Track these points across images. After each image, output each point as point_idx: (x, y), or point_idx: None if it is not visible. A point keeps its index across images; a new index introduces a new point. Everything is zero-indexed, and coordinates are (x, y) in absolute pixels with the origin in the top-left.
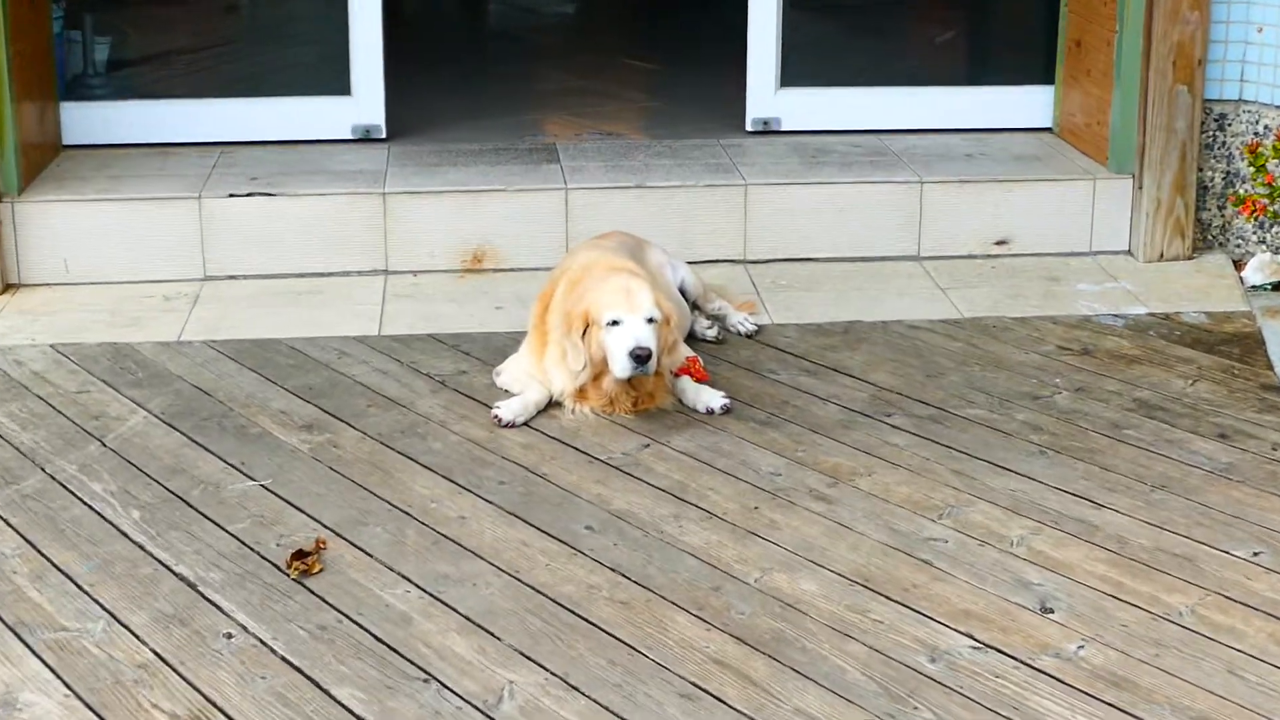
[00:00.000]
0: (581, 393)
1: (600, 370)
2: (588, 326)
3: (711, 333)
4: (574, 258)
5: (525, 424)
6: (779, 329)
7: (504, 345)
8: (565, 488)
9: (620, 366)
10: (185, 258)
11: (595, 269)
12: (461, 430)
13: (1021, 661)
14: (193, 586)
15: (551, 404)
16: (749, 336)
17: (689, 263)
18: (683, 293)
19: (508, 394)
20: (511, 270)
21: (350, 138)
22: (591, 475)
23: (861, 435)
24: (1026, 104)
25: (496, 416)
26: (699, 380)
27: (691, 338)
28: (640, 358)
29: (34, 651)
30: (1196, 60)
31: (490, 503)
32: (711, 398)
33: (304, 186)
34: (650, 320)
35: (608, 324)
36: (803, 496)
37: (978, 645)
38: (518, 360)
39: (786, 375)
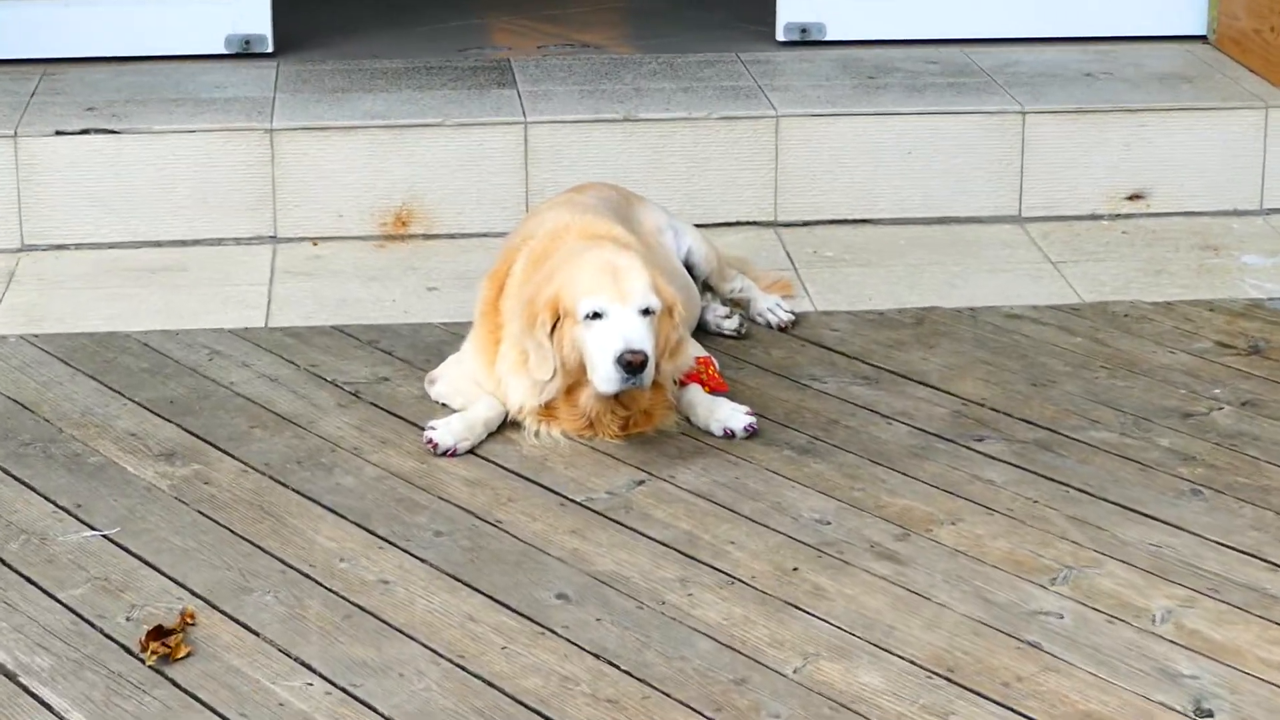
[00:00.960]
0: (549, 410)
1: (576, 380)
2: (558, 320)
3: (730, 324)
4: (538, 221)
5: (471, 451)
6: (824, 319)
7: (440, 342)
8: (528, 541)
9: (604, 377)
10: None
11: (567, 238)
12: (382, 460)
13: None
14: (10, 677)
15: (507, 424)
16: (783, 329)
17: (698, 226)
18: (689, 269)
19: (446, 410)
20: (449, 237)
21: (224, 52)
22: (564, 523)
23: (941, 468)
24: (1170, 2)
25: (431, 441)
26: (713, 391)
27: (702, 331)
28: (632, 365)
29: None
30: None
31: (423, 561)
32: (731, 415)
33: (160, 120)
34: (645, 312)
35: (586, 317)
36: (860, 554)
37: None
38: (460, 363)
39: (836, 384)
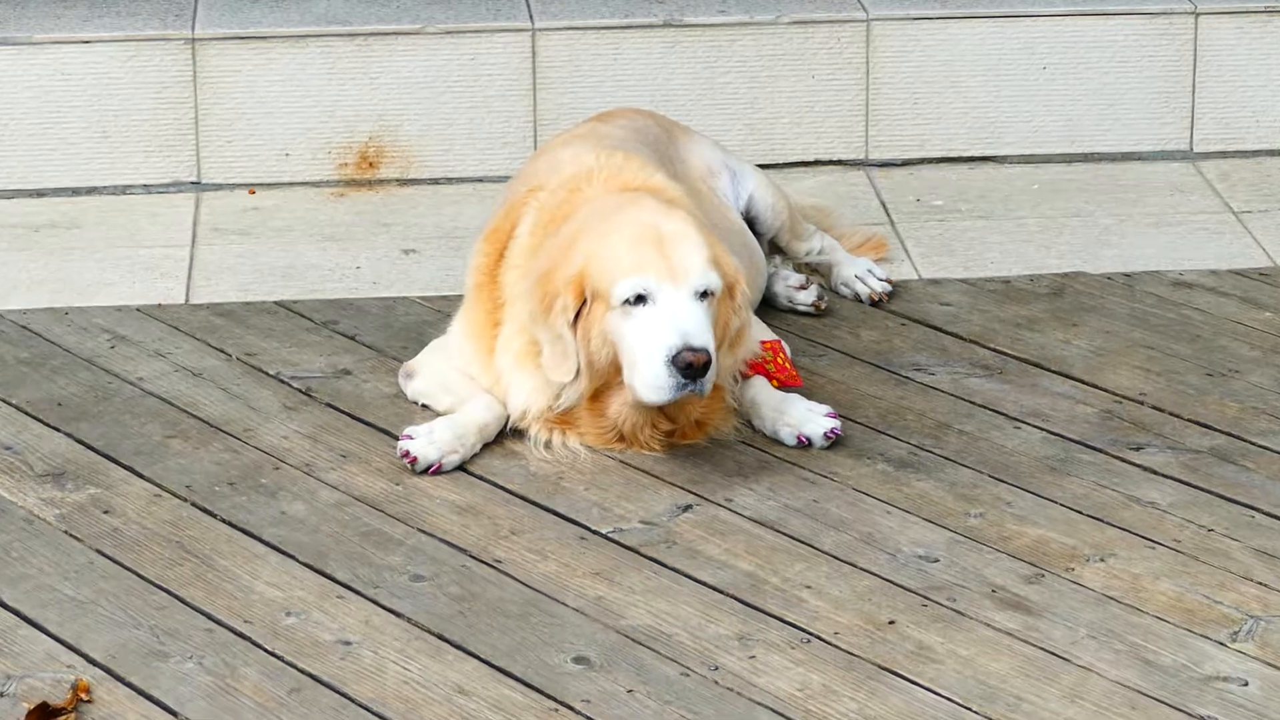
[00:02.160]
0: (565, 417)
1: (607, 381)
2: (584, 304)
3: (806, 296)
4: (550, 162)
5: (460, 467)
6: (931, 289)
7: (420, 324)
8: (537, 586)
9: (652, 382)
10: None
11: (591, 189)
12: (343, 481)
13: None
14: None
15: (507, 431)
16: (876, 303)
17: (762, 167)
18: (751, 224)
19: (428, 413)
20: (432, 183)
21: None
22: (585, 563)
23: (1086, 486)
24: None
25: (408, 454)
26: (784, 386)
27: (769, 306)
28: (692, 368)
29: None
30: None
31: (398, 615)
32: (807, 418)
33: (40, 25)
34: (703, 295)
35: (625, 302)
36: (978, 601)
37: None
38: (446, 351)
39: (946, 375)
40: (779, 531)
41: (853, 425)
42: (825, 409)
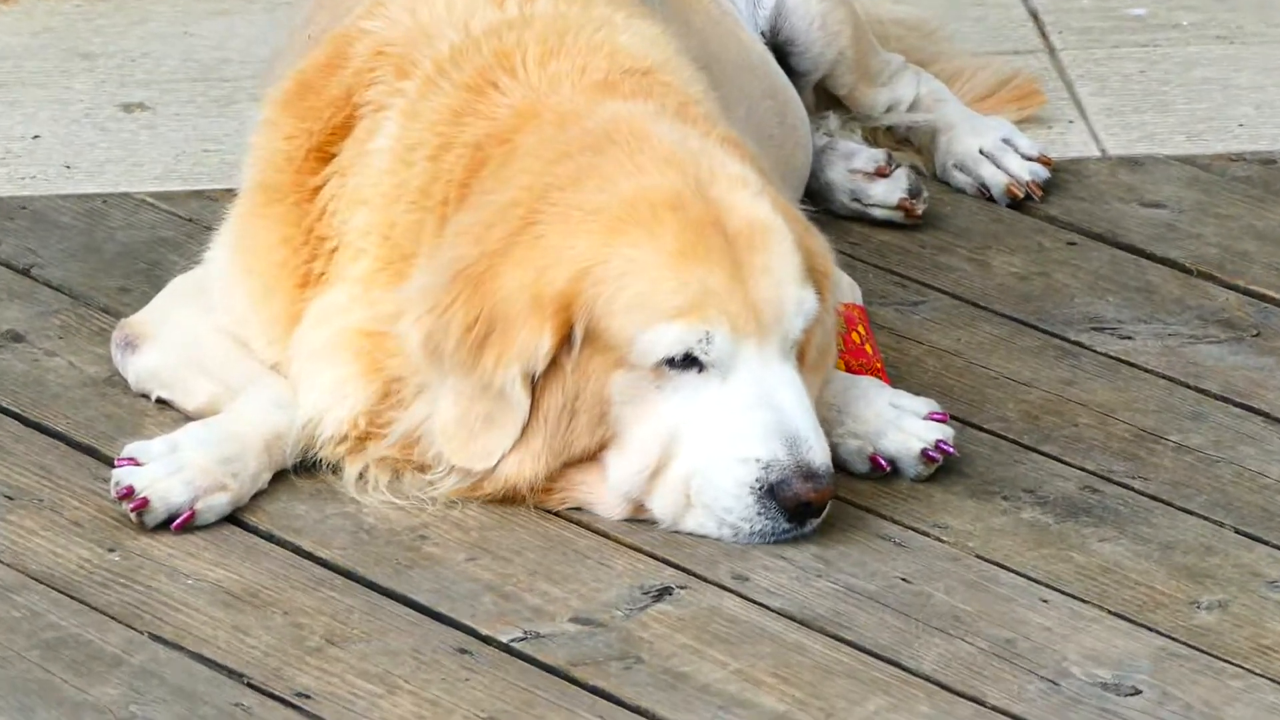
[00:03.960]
0: (408, 449)
1: (572, 462)
2: (564, 341)
3: (888, 190)
4: None
5: (232, 517)
6: (1125, 175)
7: (150, 243)
8: None
9: (723, 517)
10: None
11: (535, 92)
12: (9, 546)
13: None
14: None
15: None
16: (1021, 201)
17: None
18: (783, 51)
19: (165, 413)
20: None
21: None
22: (465, 702)
23: None
24: None
25: (132, 492)
26: (859, 370)
27: (815, 206)
28: (809, 509)
29: None
30: None
31: None
32: (891, 425)
33: None
34: (796, 338)
35: (665, 363)
36: None
37: None
38: (201, 298)
39: (1155, 339)
40: (834, 637)
41: (975, 437)
42: (925, 406)
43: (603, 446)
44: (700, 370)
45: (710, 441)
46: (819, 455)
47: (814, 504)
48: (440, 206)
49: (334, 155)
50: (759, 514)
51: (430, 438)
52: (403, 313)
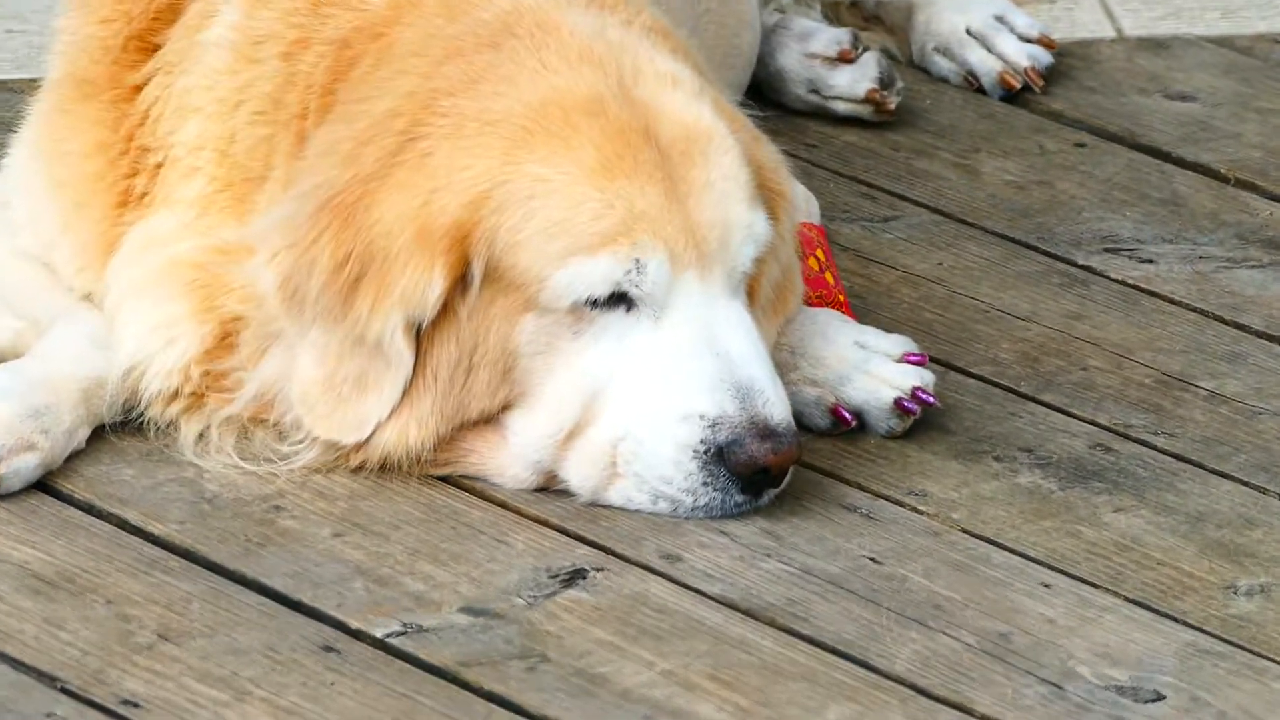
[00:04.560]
0: (263, 408)
1: (467, 425)
2: (461, 280)
3: (853, 79)
4: None
5: (42, 483)
6: (1145, 59)
7: None
8: None
9: (661, 488)
10: None
11: None
12: None
13: None
14: None
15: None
16: (1016, 93)
17: None
18: None
19: None
20: None
21: None
22: (331, 711)
23: None
24: None
25: None
26: (820, 304)
27: (764, 98)
28: (766, 475)
29: None
30: None
31: None
32: (859, 369)
33: None
34: (745, 270)
35: (585, 303)
36: None
37: None
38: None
39: (1182, 263)
40: (786, 630)
41: (961, 383)
42: (898, 346)
43: (506, 407)
44: (629, 309)
45: (642, 396)
46: (778, 409)
47: (772, 469)
48: (297, 120)
49: (158, 46)
50: (704, 484)
51: (287, 401)
52: (251, 249)
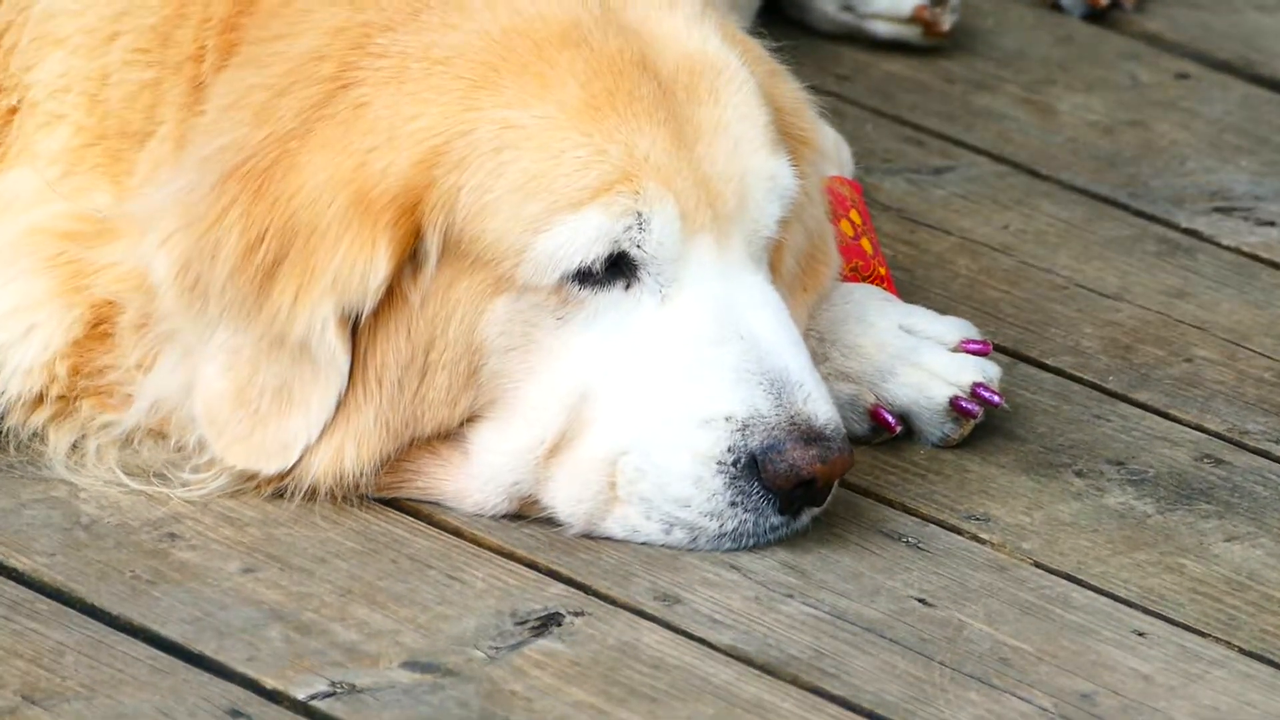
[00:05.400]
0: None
1: (420, 441)
2: (405, 256)
3: (888, 27)
4: None
5: None
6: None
7: None
8: None
9: (672, 511)
10: None
11: None
12: None
13: None
14: None
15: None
16: (1097, 13)
17: None
18: None
19: None
20: None
21: None
22: None
23: None
24: None
25: None
26: (856, 279)
27: (794, 25)
28: (809, 488)
29: None
30: None
31: None
32: (906, 360)
33: None
34: (769, 234)
35: (573, 278)
36: None
37: None
38: None
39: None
40: (813, 690)
41: (1033, 378)
42: (955, 331)
43: (470, 419)
44: (629, 286)
45: (648, 396)
46: (822, 406)
47: (818, 482)
48: (191, 62)
49: None
50: (733, 504)
51: (188, 418)
52: (132, 224)
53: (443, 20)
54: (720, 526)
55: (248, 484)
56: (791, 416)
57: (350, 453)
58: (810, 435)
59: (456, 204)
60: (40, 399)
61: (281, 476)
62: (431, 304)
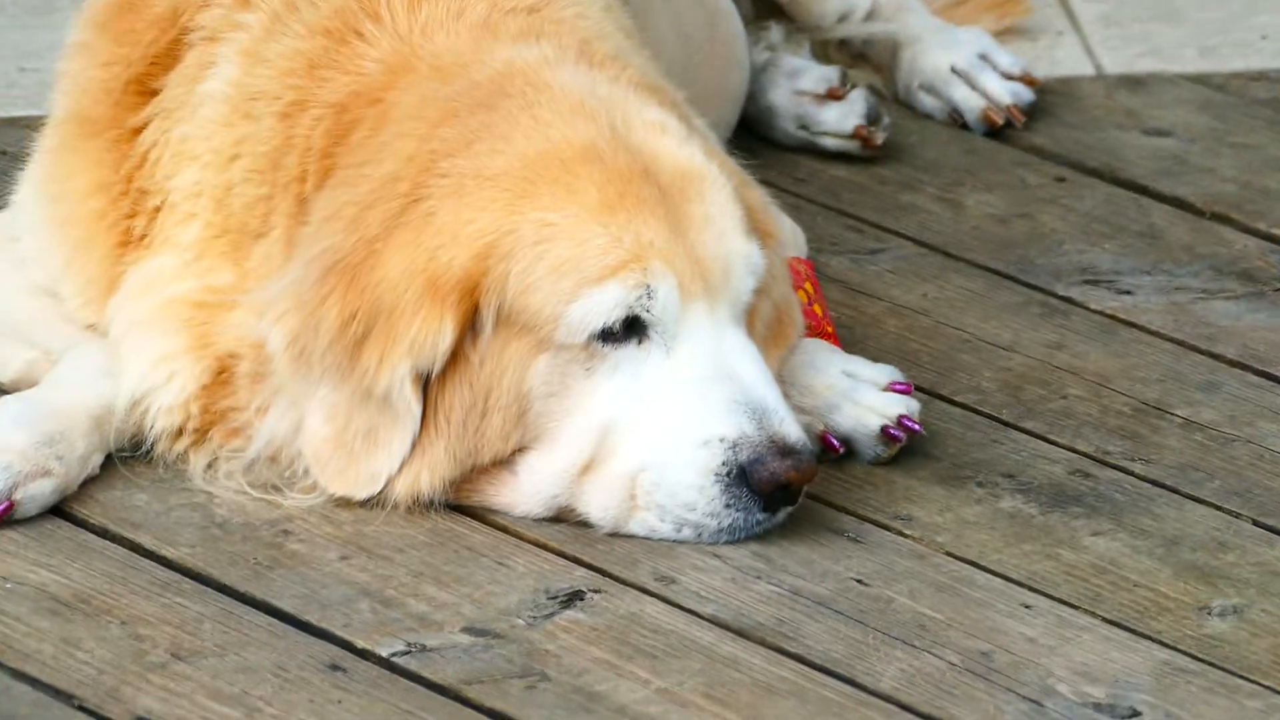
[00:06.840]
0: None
1: (475, 469)
2: (470, 322)
3: (842, 115)
4: None
5: (58, 508)
6: (1126, 96)
7: None
8: None
9: (683, 514)
10: None
11: (393, 41)
12: None
13: None
14: None
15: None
16: (999, 128)
17: None
18: None
19: None
20: None
21: None
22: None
23: None
24: None
25: None
26: (809, 335)
27: (754, 136)
28: (788, 491)
29: None
30: None
31: None
32: (847, 397)
33: None
34: (747, 300)
35: (600, 336)
36: None
37: None
38: (8, 248)
39: (1160, 295)
40: (776, 649)
41: (945, 411)
42: (885, 375)
43: (519, 450)
44: (640, 343)
45: (659, 427)
46: (793, 428)
47: (793, 485)
48: (296, 183)
49: (156, 91)
50: (727, 505)
51: (296, 454)
52: (259, 309)
53: (490, 148)
54: (719, 524)
55: (343, 503)
56: (771, 436)
57: (425, 479)
58: (786, 450)
59: (506, 285)
60: (180, 431)
61: (371, 499)
62: (489, 363)
